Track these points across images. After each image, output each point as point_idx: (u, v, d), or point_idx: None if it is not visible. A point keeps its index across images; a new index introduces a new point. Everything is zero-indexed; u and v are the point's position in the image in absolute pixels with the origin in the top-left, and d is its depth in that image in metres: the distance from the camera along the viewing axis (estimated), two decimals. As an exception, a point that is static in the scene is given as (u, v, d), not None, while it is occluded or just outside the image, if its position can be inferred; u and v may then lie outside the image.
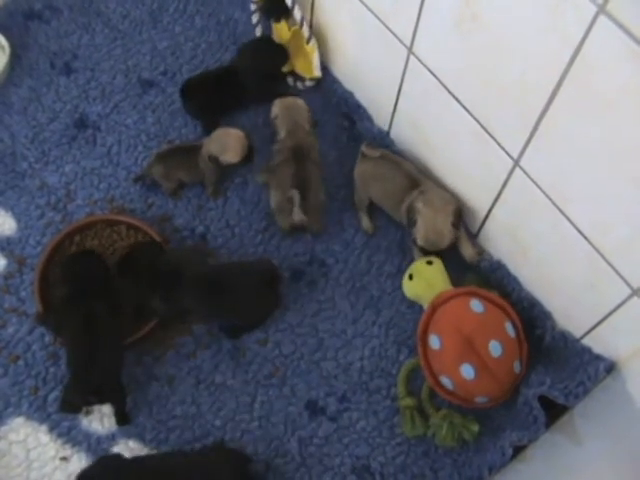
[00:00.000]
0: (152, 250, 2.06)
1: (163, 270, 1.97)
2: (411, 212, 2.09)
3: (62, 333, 1.97)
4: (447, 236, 2.06)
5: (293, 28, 2.37)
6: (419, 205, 2.06)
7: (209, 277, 1.99)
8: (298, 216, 2.08)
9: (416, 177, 2.15)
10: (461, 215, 2.09)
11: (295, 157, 2.16)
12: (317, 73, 2.42)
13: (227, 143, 2.21)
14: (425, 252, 2.10)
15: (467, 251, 2.12)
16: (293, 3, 2.33)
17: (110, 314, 1.94)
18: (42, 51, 2.55)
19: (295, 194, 2.07)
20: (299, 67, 2.47)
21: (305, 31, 2.35)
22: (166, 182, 2.25)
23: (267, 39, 2.49)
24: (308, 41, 2.37)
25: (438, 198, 2.09)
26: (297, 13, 2.33)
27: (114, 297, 1.99)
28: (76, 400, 1.88)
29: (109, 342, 1.90)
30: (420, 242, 2.07)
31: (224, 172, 2.28)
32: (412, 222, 2.08)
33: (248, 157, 2.24)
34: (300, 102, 2.32)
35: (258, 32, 2.55)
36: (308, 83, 2.47)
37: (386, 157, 2.20)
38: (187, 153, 2.24)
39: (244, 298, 1.99)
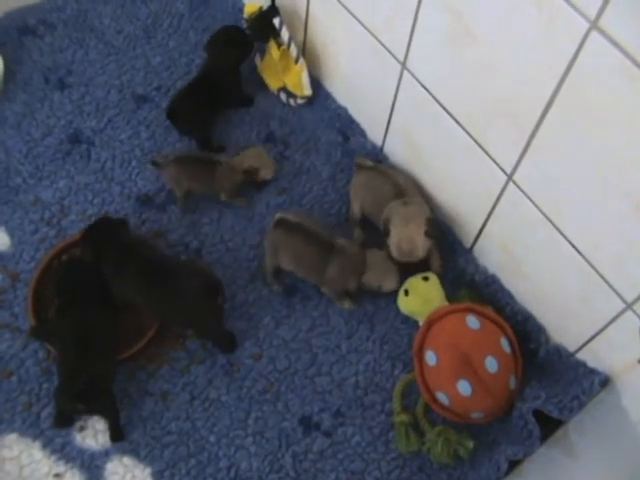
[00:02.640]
0: (115, 226, 2.06)
1: (116, 246, 1.99)
2: (386, 222, 2.09)
3: (53, 342, 1.96)
4: (420, 246, 2.05)
5: (282, 48, 2.38)
6: (393, 216, 2.07)
7: (153, 269, 1.97)
8: None
9: (403, 188, 2.14)
10: (434, 225, 2.07)
11: None
12: (307, 92, 2.43)
13: (264, 161, 2.27)
14: (400, 264, 2.09)
15: (434, 263, 2.13)
16: (281, 24, 2.34)
17: (102, 322, 1.94)
18: (36, 66, 2.56)
19: None
20: (290, 85, 2.47)
21: (293, 51, 2.37)
22: (175, 187, 2.25)
23: (228, 29, 2.48)
24: (296, 61, 2.38)
25: (412, 209, 2.08)
26: (285, 34, 2.34)
27: (107, 306, 1.99)
28: (63, 406, 1.88)
29: (98, 349, 1.89)
30: (393, 252, 2.06)
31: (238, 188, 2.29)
32: (386, 232, 2.08)
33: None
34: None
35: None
36: (299, 101, 2.48)
37: (378, 168, 2.21)
38: (203, 164, 2.25)
39: (180, 302, 1.95)
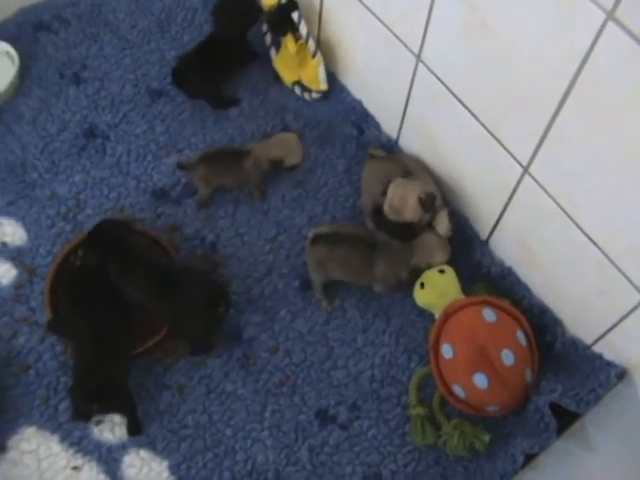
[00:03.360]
0: (120, 228, 2.06)
1: (122, 246, 2.00)
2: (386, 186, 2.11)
3: (69, 338, 1.98)
4: (410, 208, 2.05)
5: (299, 42, 2.38)
6: (394, 181, 2.09)
7: (161, 274, 1.98)
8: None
9: (411, 169, 2.15)
10: (433, 201, 2.07)
11: None
12: (323, 86, 2.43)
13: (289, 147, 2.28)
14: (388, 227, 2.10)
15: (442, 227, 2.13)
16: (299, 19, 2.33)
17: (115, 321, 1.95)
18: (51, 62, 2.56)
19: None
20: (306, 79, 2.47)
21: (311, 45, 2.36)
22: (204, 186, 2.26)
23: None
24: (314, 55, 2.38)
25: (414, 179, 2.11)
26: (303, 28, 2.34)
27: (122, 306, 2.00)
28: (78, 405, 1.89)
29: (112, 348, 1.89)
30: (385, 208, 2.07)
31: (266, 177, 2.30)
32: (384, 193, 2.10)
33: None
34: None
35: (267, 41, 2.55)
36: (315, 95, 2.47)
37: (389, 156, 2.23)
38: (232, 157, 2.26)
39: (184, 308, 1.95)
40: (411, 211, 2.05)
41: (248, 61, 2.55)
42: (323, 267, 2.06)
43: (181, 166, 2.29)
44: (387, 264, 2.04)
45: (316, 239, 2.05)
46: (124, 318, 1.99)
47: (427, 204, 2.05)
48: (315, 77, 2.42)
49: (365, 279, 2.09)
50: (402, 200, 2.05)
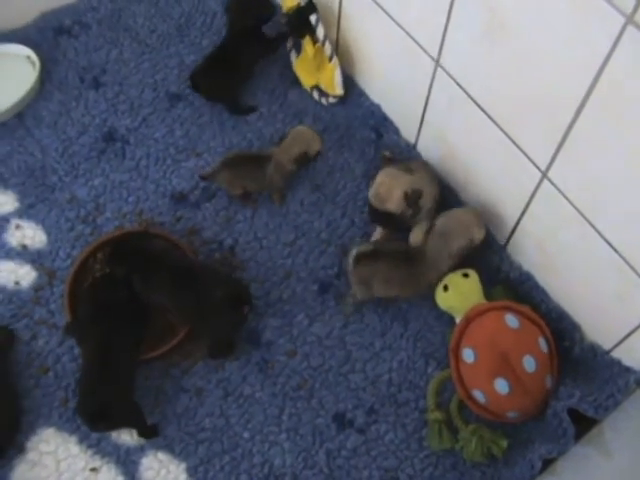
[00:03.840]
0: (139, 237, 2.09)
1: (144, 254, 2.01)
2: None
3: (83, 344, 1.98)
4: (395, 201, 2.09)
5: (316, 45, 2.38)
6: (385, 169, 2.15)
7: (184, 275, 1.99)
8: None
9: (413, 168, 2.16)
10: (418, 198, 2.09)
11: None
12: (339, 91, 2.43)
13: (306, 138, 2.28)
14: (372, 215, 2.17)
15: (416, 233, 2.12)
16: (317, 21, 2.34)
17: (129, 337, 1.95)
18: (71, 66, 2.58)
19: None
20: (323, 83, 2.47)
21: (327, 48, 2.37)
22: (230, 189, 2.27)
23: None
24: (330, 59, 2.38)
25: (407, 174, 2.13)
26: (320, 31, 2.34)
27: (138, 319, 2.01)
28: (84, 423, 1.89)
29: (120, 365, 1.89)
30: (370, 192, 2.13)
31: (288, 180, 2.30)
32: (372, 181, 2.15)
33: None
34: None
35: (288, 44, 2.56)
36: (331, 100, 2.48)
37: (400, 160, 2.25)
38: (254, 162, 2.26)
39: (208, 308, 1.96)
40: (395, 203, 2.08)
41: (271, 50, 2.55)
42: (369, 286, 2.05)
43: (203, 177, 2.30)
44: (430, 268, 2.05)
45: (358, 259, 2.04)
46: (138, 331, 1.99)
47: (411, 200, 2.07)
48: (331, 81, 2.42)
49: (411, 290, 2.09)
50: (388, 190, 2.09)
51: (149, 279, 1.99)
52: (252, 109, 2.49)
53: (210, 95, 2.49)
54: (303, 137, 2.29)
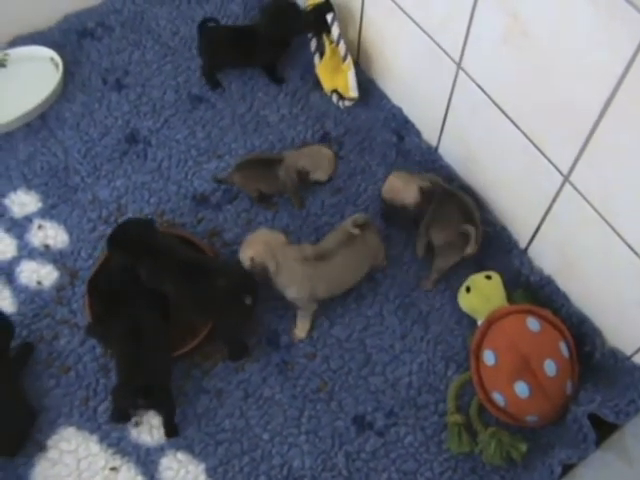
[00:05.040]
0: (144, 226, 2.07)
1: (150, 245, 2.00)
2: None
3: (109, 341, 2.00)
4: (411, 191, 2.11)
5: (332, 45, 2.39)
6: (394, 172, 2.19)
7: (192, 266, 2.00)
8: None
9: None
10: (432, 194, 2.12)
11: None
12: (353, 93, 2.43)
13: (320, 162, 2.28)
14: (387, 212, 2.22)
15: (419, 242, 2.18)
16: (333, 21, 2.34)
17: (153, 320, 1.97)
18: (94, 68, 2.61)
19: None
20: (339, 86, 2.47)
21: (341, 49, 2.37)
22: (246, 191, 2.29)
23: (287, 4, 2.50)
24: (344, 59, 2.38)
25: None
26: (335, 30, 2.35)
27: (160, 304, 2.03)
28: (125, 403, 1.91)
29: (155, 345, 1.92)
30: (384, 190, 2.17)
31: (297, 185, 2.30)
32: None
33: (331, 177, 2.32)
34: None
35: (312, 47, 2.57)
36: (347, 103, 2.48)
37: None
38: (265, 165, 2.27)
39: (210, 299, 1.97)
40: (412, 195, 2.11)
41: (273, 76, 2.60)
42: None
43: (219, 180, 2.32)
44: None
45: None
46: (163, 317, 2.02)
47: (427, 195, 2.10)
48: (346, 83, 2.42)
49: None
50: (405, 183, 2.13)
51: (155, 271, 2.00)
52: (281, 79, 2.57)
53: (206, 46, 2.56)
54: (318, 158, 2.29)
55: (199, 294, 1.97)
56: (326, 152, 2.31)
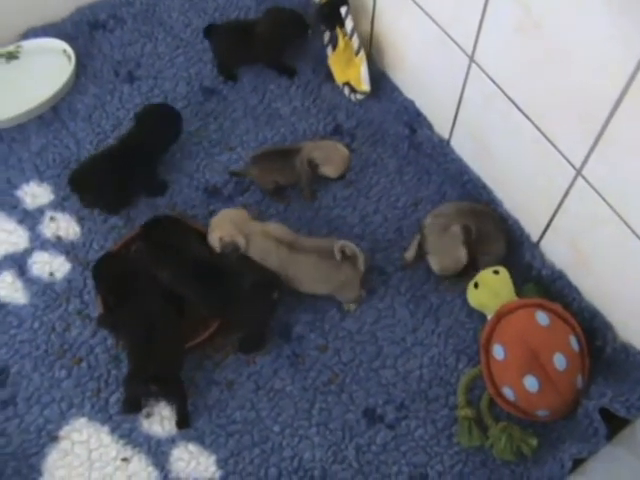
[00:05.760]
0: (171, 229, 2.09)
1: (169, 245, 2.02)
2: (422, 240, 2.12)
3: (120, 331, 2.01)
4: (462, 259, 2.09)
5: (345, 38, 2.38)
6: (427, 235, 2.12)
7: (208, 268, 2.01)
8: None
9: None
10: (470, 230, 2.09)
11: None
12: (365, 87, 2.42)
13: (332, 157, 2.26)
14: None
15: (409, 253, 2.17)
16: (346, 14, 2.34)
17: (165, 310, 1.98)
18: (106, 60, 2.61)
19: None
20: (352, 78, 2.47)
21: (355, 42, 2.36)
22: (262, 184, 2.29)
23: (289, 14, 2.52)
24: (357, 53, 2.38)
25: (441, 218, 2.13)
26: (349, 24, 2.34)
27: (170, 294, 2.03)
28: (136, 391, 1.92)
29: (166, 334, 1.93)
30: (437, 271, 2.12)
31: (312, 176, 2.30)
32: (424, 252, 2.12)
33: (342, 176, 2.29)
34: None
35: (325, 39, 2.56)
36: (359, 96, 2.47)
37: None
38: (283, 156, 2.27)
39: (237, 300, 1.98)
40: (464, 259, 2.10)
41: (282, 72, 2.59)
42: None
43: (234, 173, 2.32)
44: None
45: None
46: (175, 307, 2.02)
47: (469, 237, 2.10)
48: (358, 76, 2.42)
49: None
50: (453, 260, 2.11)
51: (178, 278, 2.01)
52: (293, 72, 2.57)
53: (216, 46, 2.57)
54: (330, 153, 2.27)
55: (224, 296, 1.99)
56: (341, 150, 2.29)
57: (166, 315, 1.97)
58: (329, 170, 2.26)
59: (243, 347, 2.04)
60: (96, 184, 2.24)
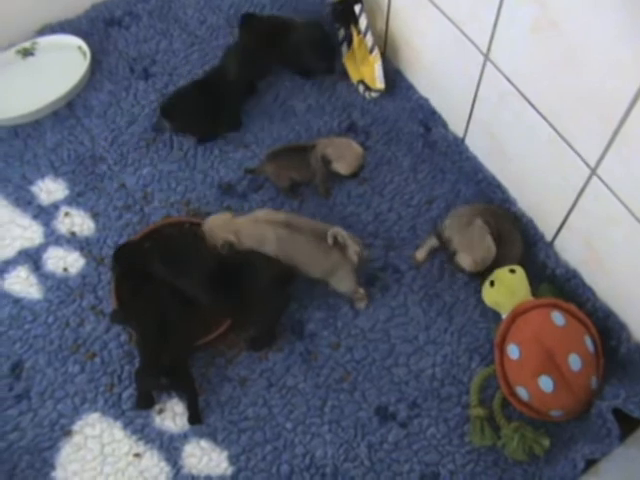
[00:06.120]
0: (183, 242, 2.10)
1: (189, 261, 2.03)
2: (446, 243, 2.11)
3: (132, 324, 2.02)
4: (492, 248, 2.08)
5: (359, 36, 2.38)
6: (451, 235, 2.10)
7: (215, 269, 2.01)
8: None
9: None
10: (491, 225, 2.09)
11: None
12: (379, 85, 2.41)
13: (345, 154, 2.26)
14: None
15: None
16: (360, 12, 2.34)
17: (177, 305, 1.99)
18: (122, 56, 2.62)
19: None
20: (366, 77, 2.47)
21: (369, 40, 2.36)
22: (278, 181, 2.28)
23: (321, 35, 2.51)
24: (371, 51, 2.37)
25: (461, 217, 2.13)
26: (363, 22, 2.34)
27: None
28: (148, 384, 1.93)
29: (176, 331, 1.94)
30: (470, 268, 2.09)
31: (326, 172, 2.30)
32: (452, 253, 2.11)
33: (355, 173, 2.29)
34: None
35: (340, 36, 2.57)
36: (373, 94, 2.47)
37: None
38: (298, 153, 2.27)
39: (249, 297, 1.99)
40: (494, 250, 2.09)
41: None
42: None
43: (249, 171, 2.32)
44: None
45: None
46: (187, 304, 2.03)
47: (494, 228, 2.10)
48: (372, 75, 2.41)
49: None
50: (485, 251, 2.09)
51: (193, 289, 2.02)
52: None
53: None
54: (343, 150, 2.27)
55: (239, 298, 2.00)
56: (355, 147, 2.29)
57: (178, 309, 1.98)
58: (341, 167, 2.26)
59: (254, 345, 2.05)
60: (187, 112, 2.38)
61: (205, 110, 2.37)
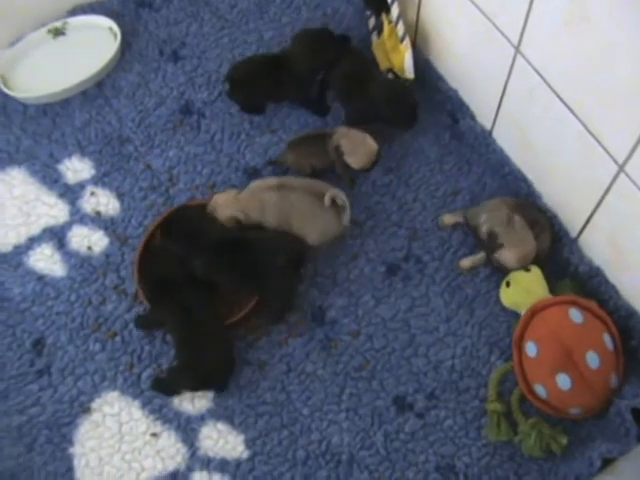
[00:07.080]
0: (196, 217, 2.12)
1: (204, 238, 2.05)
2: (491, 237, 2.09)
3: (163, 326, 2.04)
4: (535, 244, 2.07)
5: (390, 25, 2.37)
6: (493, 230, 2.08)
7: (230, 245, 2.03)
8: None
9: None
10: (523, 210, 2.10)
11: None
12: (409, 74, 2.38)
13: (357, 149, 2.21)
14: None
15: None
16: (393, 0, 2.32)
17: (203, 302, 2.00)
18: (151, 38, 2.62)
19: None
20: (396, 65, 2.44)
21: (400, 29, 2.34)
22: (299, 169, 2.28)
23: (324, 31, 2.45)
24: (402, 40, 2.36)
25: (497, 212, 2.11)
26: (395, 10, 2.33)
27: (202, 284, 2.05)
28: (184, 387, 1.96)
29: (209, 329, 1.96)
30: (515, 263, 2.06)
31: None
32: (494, 248, 2.09)
33: (368, 168, 2.26)
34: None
35: (370, 24, 2.56)
36: None
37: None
38: (318, 140, 2.26)
39: (264, 275, 2.01)
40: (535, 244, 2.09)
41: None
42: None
43: (274, 163, 2.33)
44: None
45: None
46: (211, 295, 2.04)
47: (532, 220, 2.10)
48: (402, 64, 2.39)
49: None
50: (530, 248, 2.09)
51: (209, 265, 2.03)
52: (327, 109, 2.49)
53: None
54: (357, 144, 2.22)
55: (256, 273, 2.01)
56: (369, 144, 2.23)
57: (203, 308, 1.99)
58: (352, 161, 2.22)
59: (275, 315, 2.07)
60: (251, 81, 2.41)
61: (265, 83, 2.40)
